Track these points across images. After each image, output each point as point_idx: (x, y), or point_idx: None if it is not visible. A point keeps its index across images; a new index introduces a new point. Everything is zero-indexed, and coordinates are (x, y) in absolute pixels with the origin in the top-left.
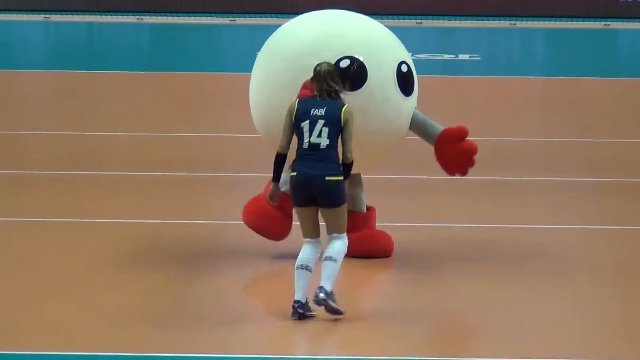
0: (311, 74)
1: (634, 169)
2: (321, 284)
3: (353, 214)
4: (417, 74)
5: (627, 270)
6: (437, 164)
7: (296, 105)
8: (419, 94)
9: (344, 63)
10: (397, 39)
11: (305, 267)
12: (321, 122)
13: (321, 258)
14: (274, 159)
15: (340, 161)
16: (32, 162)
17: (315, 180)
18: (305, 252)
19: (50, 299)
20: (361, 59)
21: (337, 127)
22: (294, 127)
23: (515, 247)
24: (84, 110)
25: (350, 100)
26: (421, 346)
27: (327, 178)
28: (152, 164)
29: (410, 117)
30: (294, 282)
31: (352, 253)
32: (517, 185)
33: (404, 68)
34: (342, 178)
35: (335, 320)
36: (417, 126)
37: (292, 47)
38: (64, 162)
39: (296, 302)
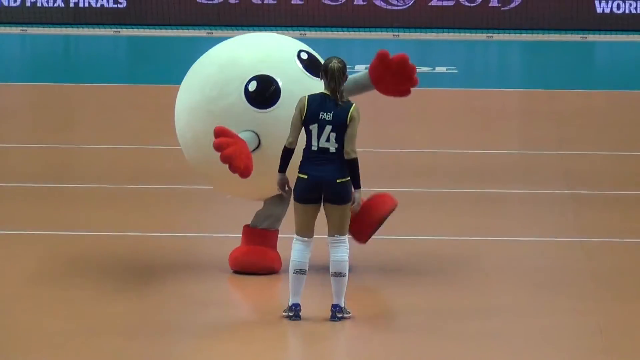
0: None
1: (612, 181)
2: (335, 302)
3: (255, 229)
4: None
5: (606, 282)
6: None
7: (306, 104)
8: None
9: (252, 86)
10: (286, 38)
11: (302, 272)
12: (329, 127)
13: (330, 271)
14: (281, 152)
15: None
16: (7, 175)
17: (326, 183)
18: (300, 255)
19: (39, 311)
20: (262, 72)
21: (344, 130)
22: (303, 126)
23: (495, 259)
24: (61, 123)
25: (270, 116)
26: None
27: (337, 181)
28: (129, 176)
29: None
30: (290, 285)
31: (239, 267)
32: (496, 198)
33: (303, 55)
34: (349, 179)
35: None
36: (349, 90)
37: (203, 77)
38: (40, 175)
39: (296, 305)
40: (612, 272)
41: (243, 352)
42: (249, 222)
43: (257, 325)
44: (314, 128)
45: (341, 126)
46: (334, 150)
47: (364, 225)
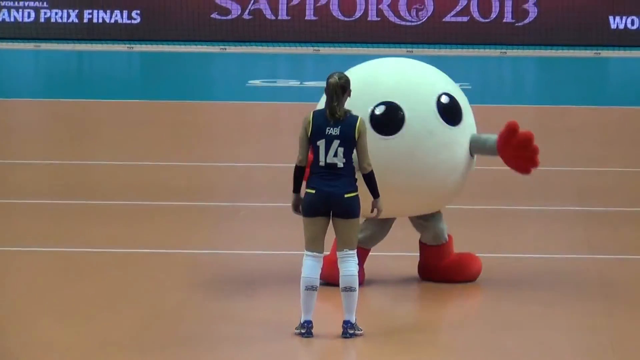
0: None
1: (625, 197)
2: (346, 318)
3: (438, 247)
4: None
5: (618, 299)
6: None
7: (311, 120)
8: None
9: (380, 109)
10: (437, 73)
11: (314, 288)
12: (337, 142)
13: (340, 286)
14: (293, 172)
15: (357, 173)
16: (21, 191)
17: (333, 197)
18: (311, 271)
19: (47, 325)
20: (396, 102)
21: (352, 144)
22: (310, 142)
23: (509, 275)
24: (74, 139)
25: (393, 144)
26: None
27: (346, 196)
28: (142, 193)
29: (467, 144)
30: (302, 302)
31: (444, 278)
32: (511, 214)
33: (444, 99)
34: (357, 193)
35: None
36: (477, 148)
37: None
38: (53, 191)
39: (308, 322)
40: (624, 289)
41: None
42: (260, 239)
43: (271, 341)
44: (322, 144)
45: (349, 141)
46: (342, 165)
47: (460, 273)
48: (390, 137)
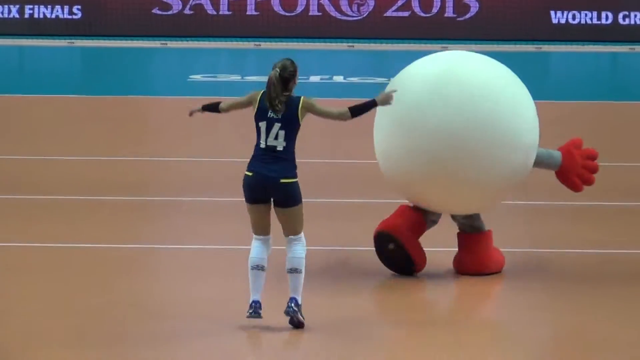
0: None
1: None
2: (292, 295)
3: (469, 235)
4: (349, 96)
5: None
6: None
7: (258, 100)
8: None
9: None
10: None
11: (261, 268)
12: (278, 124)
13: (286, 267)
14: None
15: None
16: None
17: (270, 182)
18: (258, 251)
19: None
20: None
21: (294, 127)
22: (254, 120)
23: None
24: (17, 135)
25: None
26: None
27: (282, 180)
28: (86, 188)
29: (529, 156)
30: (250, 281)
31: (464, 270)
32: None
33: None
34: (296, 180)
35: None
36: (540, 160)
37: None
38: None
39: (255, 302)
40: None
41: None
42: (203, 234)
43: (213, 336)
44: (263, 125)
45: (291, 123)
46: (282, 149)
47: (477, 264)
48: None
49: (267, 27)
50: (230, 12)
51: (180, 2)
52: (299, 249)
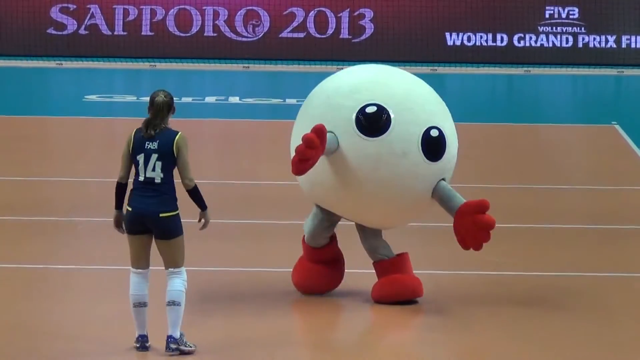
0: (339, 113)
1: None
2: (169, 333)
3: (379, 263)
4: (246, 117)
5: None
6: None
7: (132, 136)
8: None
9: (371, 109)
10: (443, 107)
11: (142, 304)
12: (155, 155)
13: (165, 300)
14: (115, 188)
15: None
16: None
17: (149, 217)
18: (138, 288)
19: None
20: (390, 111)
21: (170, 159)
22: (131, 158)
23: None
24: None
25: (369, 145)
26: None
27: (161, 215)
28: None
29: (432, 183)
30: (133, 317)
31: (377, 298)
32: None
33: (433, 133)
34: (176, 213)
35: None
36: (440, 197)
37: (332, 87)
38: None
39: (142, 336)
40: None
41: None
42: (96, 254)
43: (104, 357)
44: (141, 158)
45: (167, 155)
46: (160, 181)
47: (386, 291)
48: (366, 137)
49: (162, 47)
50: (125, 33)
51: (75, 22)
52: (178, 283)
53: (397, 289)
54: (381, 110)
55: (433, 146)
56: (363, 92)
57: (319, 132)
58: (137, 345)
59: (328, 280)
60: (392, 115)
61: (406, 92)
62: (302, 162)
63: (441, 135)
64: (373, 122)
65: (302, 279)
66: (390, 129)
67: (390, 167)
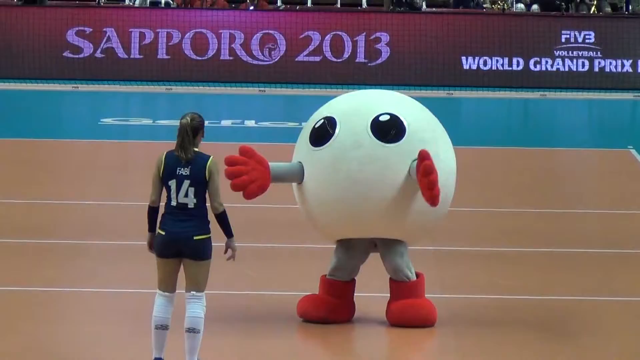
0: (303, 132)
1: (471, 236)
2: (187, 359)
3: (397, 283)
4: (261, 141)
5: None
6: None
7: (163, 160)
8: None
9: (319, 123)
10: (401, 101)
11: (164, 327)
12: (187, 182)
13: (185, 327)
14: (147, 211)
15: (211, 215)
16: None
17: (183, 240)
18: (161, 310)
19: None
20: (334, 115)
21: (203, 185)
22: (162, 182)
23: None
24: None
25: (320, 154)
26: None
27: (195, 238)
28: None
29: (404, 164)
30: (152, 339)
31: (395, 321)
32: None
33: (383, 118)
34: (209, 236)
35: None
36: (410, 174)
37: (320, 110)
38: None
39: (158, 359)
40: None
41: None
42: (109, 277)
43: None
44: (172, 184)
45: (199, 181)
46: (193, 206)
47: (407, 316)
48: (318, 148)
49: (178, 71)
50: (141, 56)
51: (91, 45)
52: (198, 309)
53: (415, 315)
54: (329, 120)
55: (386, 128)
56: (323, 109)
57: (241, 151)
58: None
59: (337, 314)
60: (337, 123)
61: (362, 102)
62: (237, 180)
63: (394, 118)
64: (320, 133)
65: (311, 307)
66: (335, 133)
67: (349, 162)
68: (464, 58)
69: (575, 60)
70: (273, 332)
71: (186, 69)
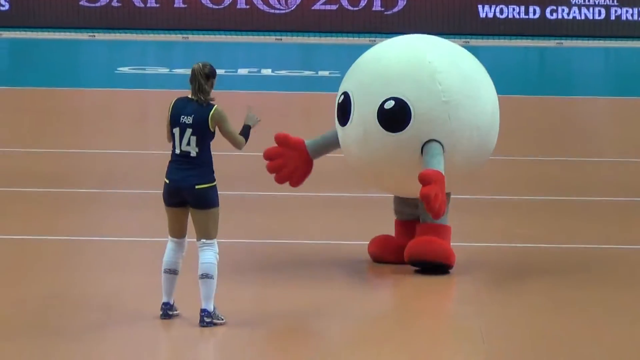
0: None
1: (493, 184)
2: (203, 306)
3: (423, 224)
4: (278, 89)
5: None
6: None
7: (171, 107)
8: None
9: (340, 98)
10: (419, 76)
11: (173, 271)
12: (189, 130)
13: (198, 274)
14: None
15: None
16: None
17: (185, 189)
18: (171, 255)
19: None
20: (349, 92)
21: (205, 133)
22: (169, 127)
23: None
24: None
25: (345, 132)
26: None
27: (197, 187)
28: (8, 179)
29: (414, 150)
30: (162, 283)
31: (410, 256)
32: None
33: (387, 105)
34: (213, 184)
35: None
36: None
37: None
38: None
39: (165, 304)
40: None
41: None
42: (128, 225)
43: (133, 327)
44: (176, 131)
45: (201, 130)
46: (195, 155)
47: (421, 250)
48: (342, 127)
49: (194, 19)
50: (157, 5)
51: None
52: (210, 255)
53: (432, 250)
54: (346, 97)
55: (391, 117)
56: (348, 76)
57: (277, 139)
58: (161, 314)
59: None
60: (351, 104)
61: (377, 74)
62: (280, 175)
63: (398, 104)
64: (342, 110)
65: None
66: (350, 118)
67: (370, 144)
68: (480, 6)
69: (591, 9)
70: (291, 282)
71: (202, 18)
